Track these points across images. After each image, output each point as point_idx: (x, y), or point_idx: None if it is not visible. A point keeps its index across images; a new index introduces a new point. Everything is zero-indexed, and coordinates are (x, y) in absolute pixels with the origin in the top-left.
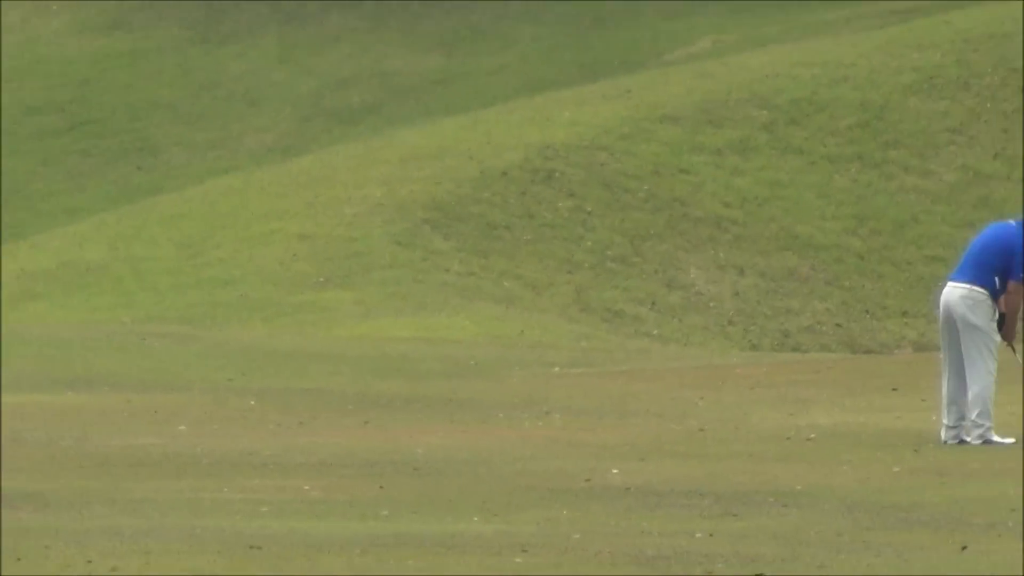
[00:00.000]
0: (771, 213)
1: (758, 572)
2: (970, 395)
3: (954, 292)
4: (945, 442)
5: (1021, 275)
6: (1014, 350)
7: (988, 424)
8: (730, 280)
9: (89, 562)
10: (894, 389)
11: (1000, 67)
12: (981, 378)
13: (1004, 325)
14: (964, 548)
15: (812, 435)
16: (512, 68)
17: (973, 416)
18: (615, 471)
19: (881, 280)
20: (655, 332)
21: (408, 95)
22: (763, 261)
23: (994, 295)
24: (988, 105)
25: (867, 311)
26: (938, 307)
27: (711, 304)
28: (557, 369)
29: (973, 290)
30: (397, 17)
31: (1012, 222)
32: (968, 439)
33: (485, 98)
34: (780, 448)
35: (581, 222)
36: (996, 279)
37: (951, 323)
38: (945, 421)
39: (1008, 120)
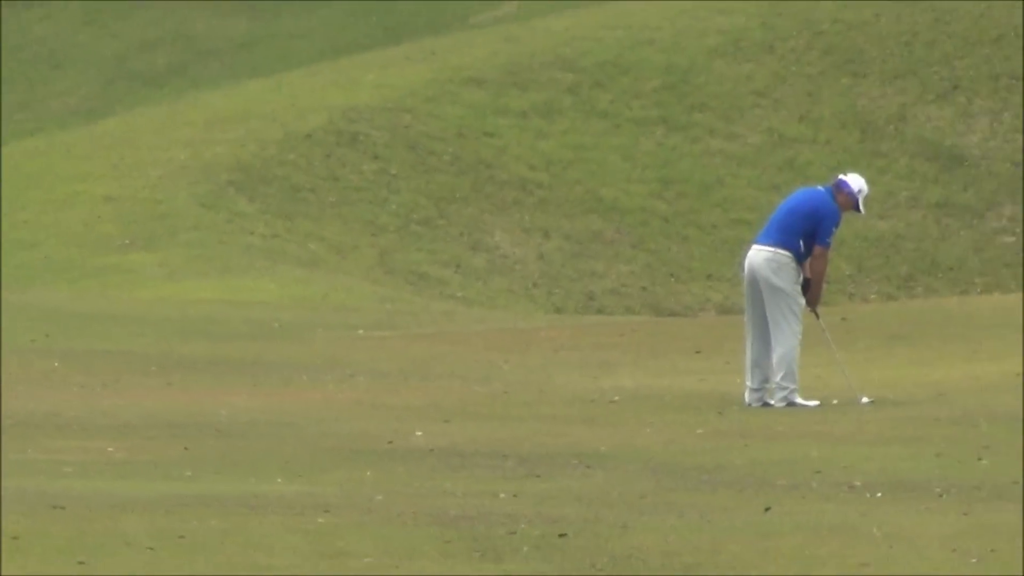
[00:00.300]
0: (576, 176)
1: (561, 533)
2: (775, 358)
3: (759, 255)
4: (749, 404)
5: (827, 240)
6: (817, 315)
7: (793, 387)
8: (535, 243)
9: None
10: (698, 352)
11: (805, 30)
12: (786, 340)
13: (809, 290)
14: (767, 509)
15: (616, 397)
16: (317, 31)
17: (778, 379)
18: (419, 433)
19: (686, 243)
20: (460, 295)
21: (213, 58)
22: (568, 224)
23: (799, 258)
24: (793, 68)
25: (672, 274)
26: (743, 270)
27: (516, 267)
28: (361, 331)
29: (778, 253)
30: None
31: (821, 188)
32: (772, 402)
33: (290, 61)
34: (584, 410)
35: (386, 184)
36: (801, 243)
37: (755, 285)
38: (749, 384)
39: (813, 83)
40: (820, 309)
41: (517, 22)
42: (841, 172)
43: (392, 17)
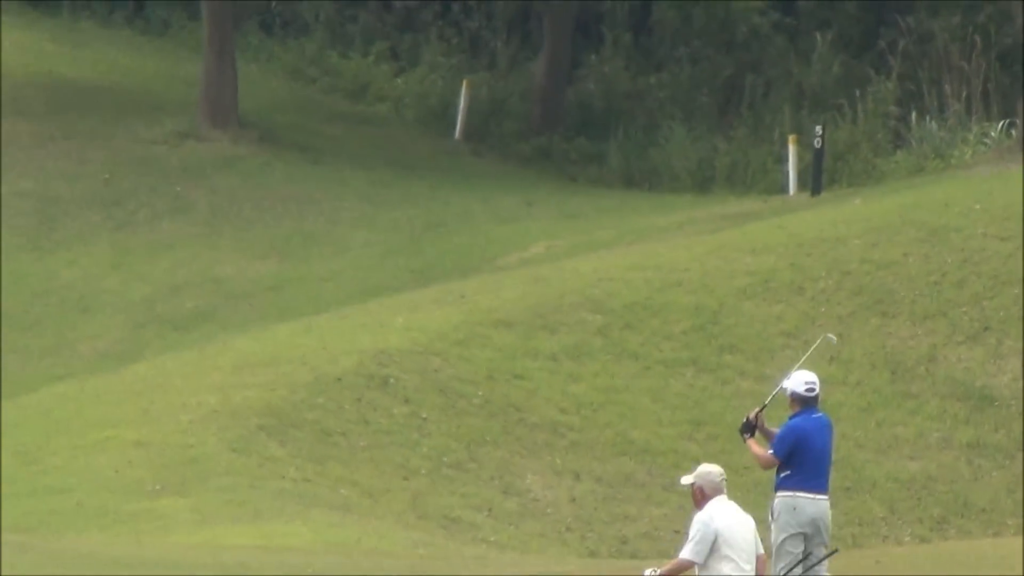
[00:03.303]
0: (607, 418)
1: None
2: None
3: (823, 505)
4: None
5: None
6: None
7: None
8: (567, 486)
9: None
10: None
11: (834, 271)
12: None
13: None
14: None
15: None
16: (345, 274)
17: None
18: None
19: None
20: (492, 539)
21: (241, 301)
22: (599, 467)
23: None
24: (822, 309)
25: None
26: (791, 516)
27: (548, 510)
28: None
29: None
30: (230, 223)
31: (818, 414)
32: None
33: (318, 304)
34: None
35: (417, 428)
36: None
37: (814, 532)
38: None
39: (842, 324)
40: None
41: (545, 264)
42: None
43: (420, 260)
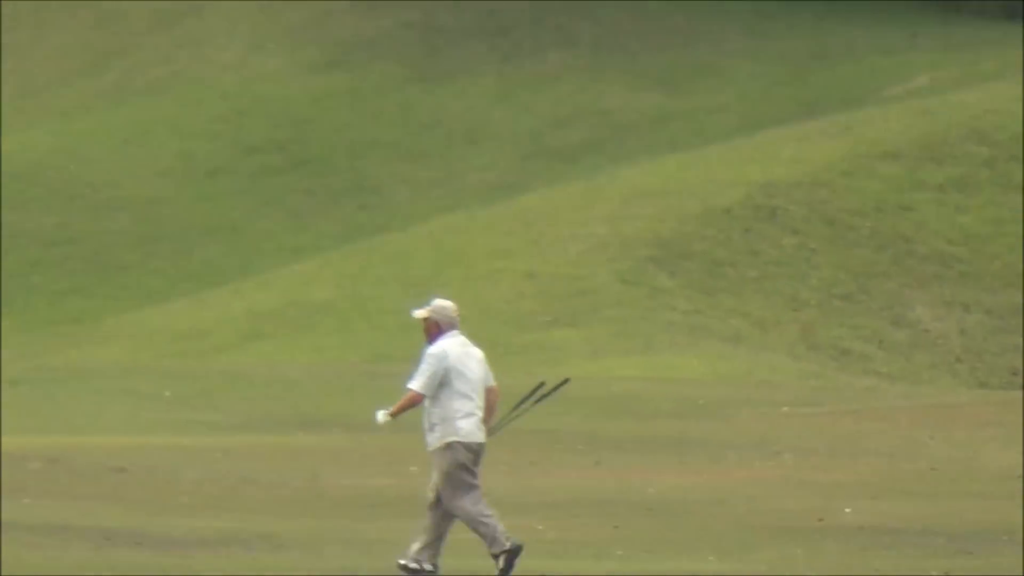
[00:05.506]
0: (995, 250)
1: None
2: None
3: None
4: None
5: None
6: None
7: None
8: (956, 317)
9: None
10: None
11: None
12: None
13: None
14: None
15: None
16: (731, 105)
17: None
18: (848, 510)
19: None
20: (883, 370)
21: (628, 133)
22: (989, 298)
23: None
24: None
25: None
26: None
27: (938, 341)
28: (786, 408)
29: None
30: (615, 55)
31: None
32: None
33: (705, 136)
34: (1012, 487)
35: (805, 259)
36: None
37: None
38: None
39: None
40: None
41: (930, 95)
42: None
43: (806, 91)
